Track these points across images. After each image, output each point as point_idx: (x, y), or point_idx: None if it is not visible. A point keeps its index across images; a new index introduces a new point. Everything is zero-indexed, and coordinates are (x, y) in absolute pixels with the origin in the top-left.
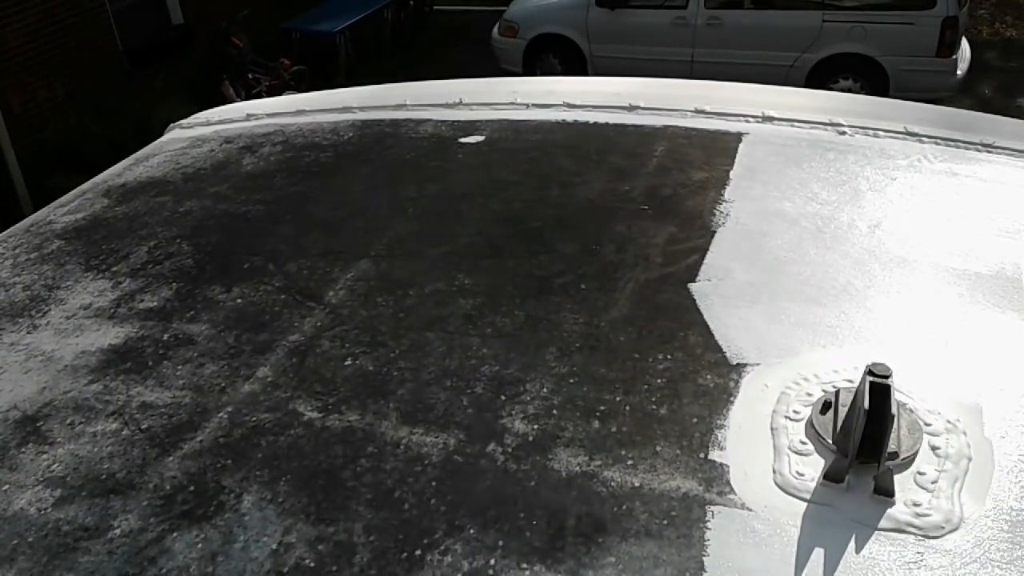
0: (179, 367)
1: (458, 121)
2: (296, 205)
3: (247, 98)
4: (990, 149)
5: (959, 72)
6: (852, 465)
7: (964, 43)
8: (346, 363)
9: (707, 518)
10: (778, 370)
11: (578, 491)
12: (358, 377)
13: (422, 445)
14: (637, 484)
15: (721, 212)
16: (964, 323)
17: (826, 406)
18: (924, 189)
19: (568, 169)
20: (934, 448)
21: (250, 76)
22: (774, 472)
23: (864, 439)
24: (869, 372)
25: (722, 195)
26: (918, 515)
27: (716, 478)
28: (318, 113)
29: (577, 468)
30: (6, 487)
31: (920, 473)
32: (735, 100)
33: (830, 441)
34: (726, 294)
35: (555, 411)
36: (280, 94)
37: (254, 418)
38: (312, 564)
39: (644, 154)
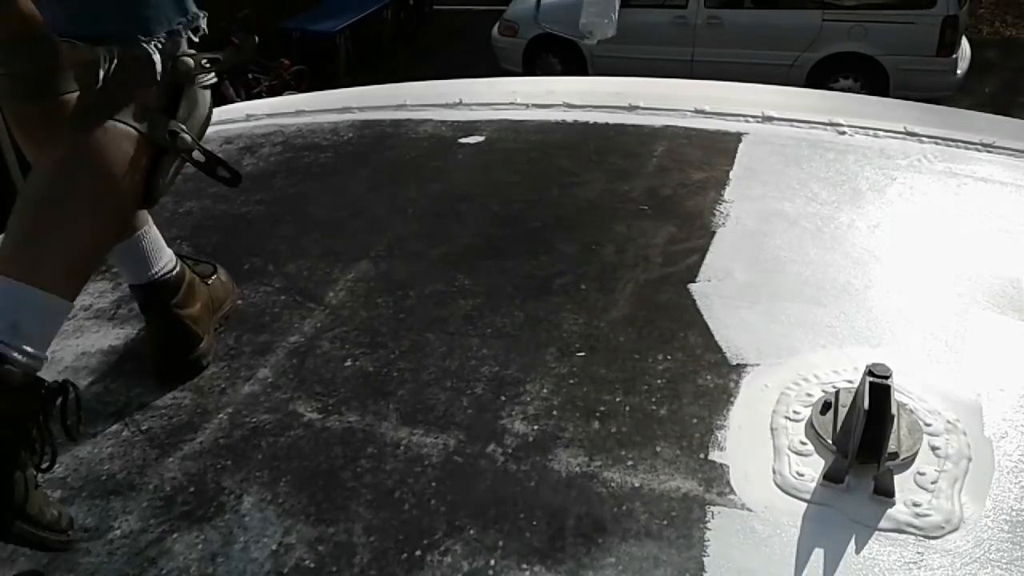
0: None
1: (458, 121)
2: (296, 205)
3: (247, 98)
4: (990, 149)
5: (959, 72)
6: (852, 465)
7: (964, 42)
8: (346, 364)
9: (707, 518)
10: (778, 370)
11: (578, 491)
12: (358, 377)
13: (422, 445)
14: (637, 484)
15: (721, 212)
16: (964, 323)
17: (826, 406)
18: (924, 189)
19: (568, 169)
20: (934, 448)
21: (250, 76)
22: (774, 472)
23: (864, 439)
24: (869, 372)
25: (722, 195)
26: (918, 515)
27: (716, 478)
28: (318, 113)
29: (577, 468)
30: None
31: (920, 473)
32: (735, 100)
33: (830, 441)
34: (726, 294)
35: (555, 411)
36: (280, 94)
37: (254, 419)
38: (312, 565)
39: (644, 154)
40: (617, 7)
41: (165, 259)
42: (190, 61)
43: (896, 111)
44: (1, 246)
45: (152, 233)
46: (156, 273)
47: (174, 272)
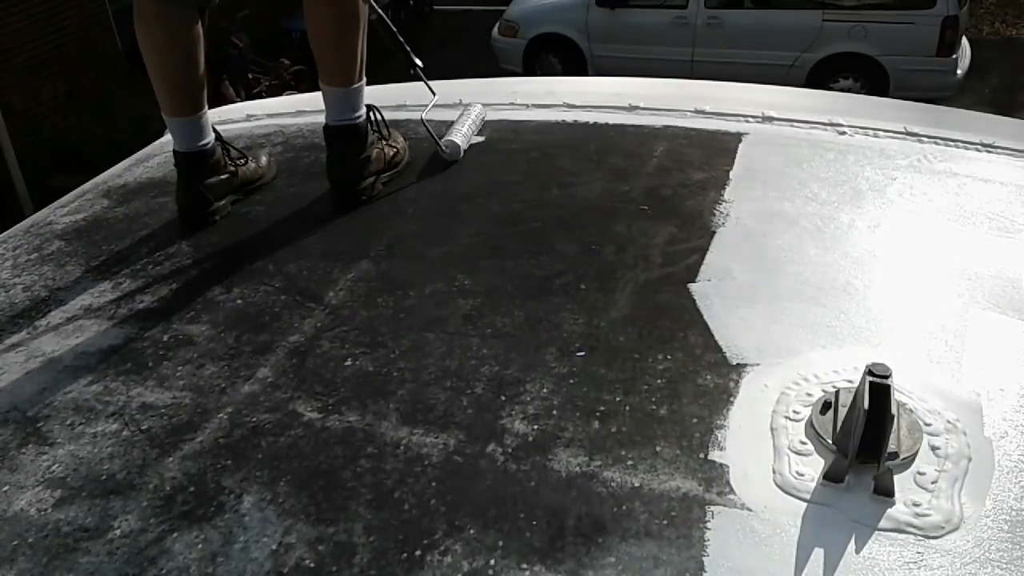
0: (179, 367)
1: None
2: (296, 205)
3: (247, 98)
4: (990, 149)
5: (959, 72)
6: (852, 465)
7: (964, 42)
8: (346, 363)
9: (707, 518)
10: (778, 370)
11: (578, 491)
12: (358, 377)
13: (422, 445)
14: (637, 484)
15: (721, 212)
16: (964, 323)
17: (826, 406)
18: (924, 189)
19: (568, 169)
20: (934, 448)
21: (250, 76)
22: (774, 472)
23: (864, 439)
24: (869, 372)
25: (722, 195)
26: (918, 515)
27: (716, 478)
28: (318, 113)
29: (577, 468)
30: (6, 488)
31: (920, 473)
32: (735, 100)
33: (830, 441)
34: (726, 294)
35: (555, 411)
36: (280, 94)
37: (254, 418)
38: (312, 564)
39: (644, 154)
40: (472, 136)
41: (207, 138)
42: None
43: (896, 111)
44: (345, 71)
45: (207, 115)
46: (200, 145)
47: (210, 145)
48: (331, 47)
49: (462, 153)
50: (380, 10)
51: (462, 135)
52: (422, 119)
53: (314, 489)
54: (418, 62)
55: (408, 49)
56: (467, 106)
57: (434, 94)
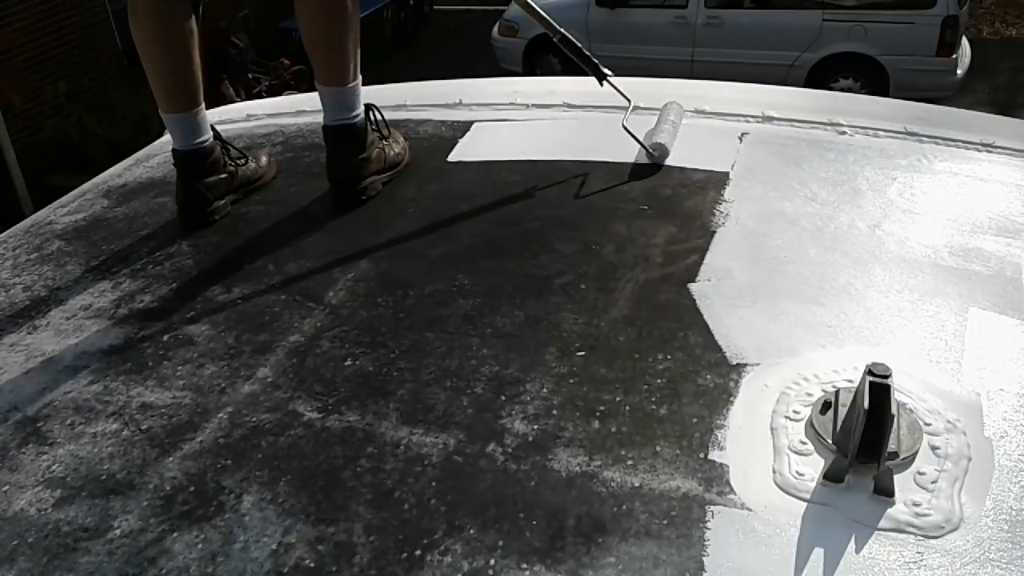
0: (179, 367)
1: (458, 121)
2: (296, 205)
3: (247, 98)
4: (990, 149)
5: (959, 72)
6: (852, 465)
7: (964, 42)
8: (346, 363)
9: (707, 518)
10: (778, 370)
11: (578, 491)
12: (358, 377)
13: (422, 445)
14: (637, 484)
15: (721, 212)
16: (964, 323)
17: (826, 406)
18: (924, 189)
19: (568, 169)
20: (934, 448)
21: (250, 76)
22: (774, 472)
23: (864, 439)
24: (869, 372)
25: (722, 195)
26: (918, 515)
27: (716, 478)
28: (318, 113)
29: (577, 468)
30: (6, 487)
31: (920, 473)
32: (735, 100)
33: (830, 441)
34: (726, 294)
35: (555, 411)
36: (280, 94)
37: (254, 418)
38: (312, 564)
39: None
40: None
41: (205, 135)
42: None
43: (896, 111)
44: (339, 70)
45: (203, 112)
46: (198, 142)
47: (208, 143)
48: (324, 47)
49: (670, 153)
50: (563, 31)
51: (667, 135)
52: (623, 125)
53: (314, 489)
54: (607, 72)
55: (595, 61)
56: (665, 106)
57: (629, 101)
